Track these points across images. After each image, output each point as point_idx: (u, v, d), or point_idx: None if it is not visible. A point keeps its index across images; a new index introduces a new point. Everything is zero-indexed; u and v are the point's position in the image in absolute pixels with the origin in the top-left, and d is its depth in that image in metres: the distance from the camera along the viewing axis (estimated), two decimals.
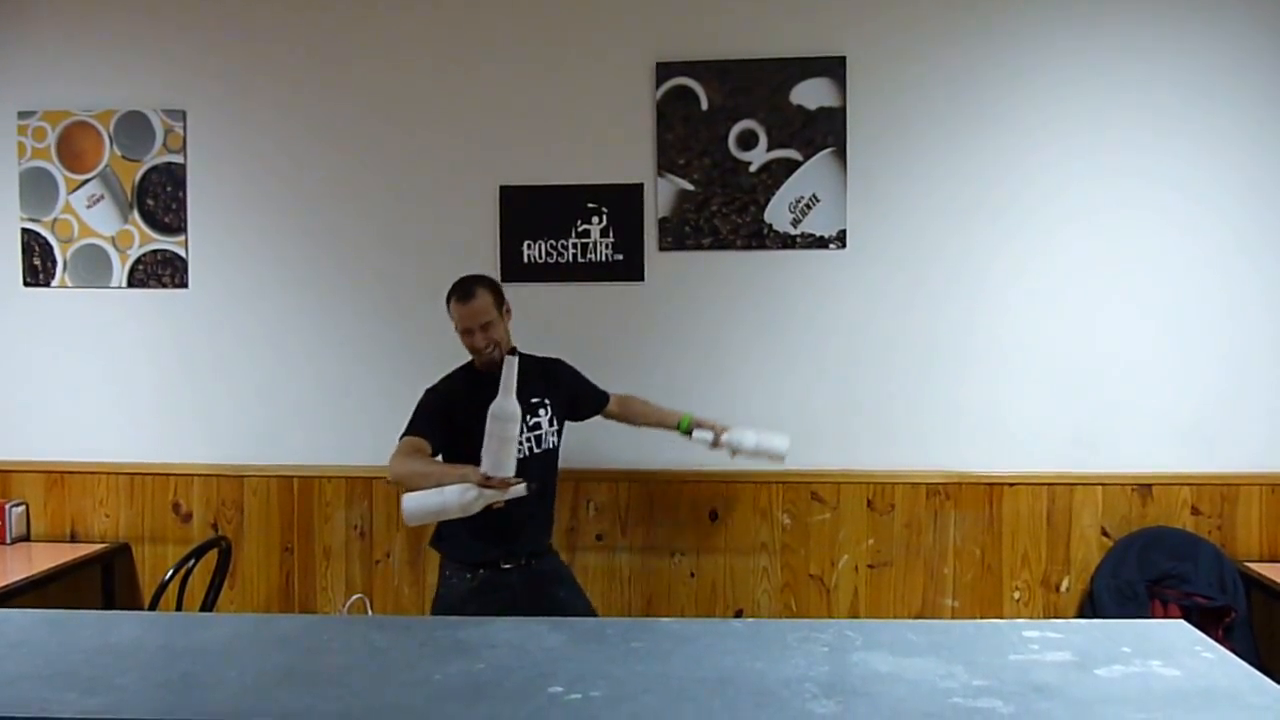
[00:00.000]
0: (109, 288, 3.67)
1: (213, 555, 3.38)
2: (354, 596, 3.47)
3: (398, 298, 3.59)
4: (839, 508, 3.49)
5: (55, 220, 3.66)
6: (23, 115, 3.65)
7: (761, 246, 3.47)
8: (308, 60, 3.59)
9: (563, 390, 2.97)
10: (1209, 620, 3.23)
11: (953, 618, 3.42)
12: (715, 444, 3.01)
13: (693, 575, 3.54)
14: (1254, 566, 3.31)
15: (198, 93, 3.63)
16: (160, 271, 3.65)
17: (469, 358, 2.85)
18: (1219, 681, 1.56)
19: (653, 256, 3.51)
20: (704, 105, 3.45)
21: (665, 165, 3.48)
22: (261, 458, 3.64)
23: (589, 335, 3.49)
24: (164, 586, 3.15)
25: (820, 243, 3.45)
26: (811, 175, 3.44)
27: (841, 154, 3.43)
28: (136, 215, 3.64)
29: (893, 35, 3.43)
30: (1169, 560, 3.34)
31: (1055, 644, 1.71)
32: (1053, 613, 3.43)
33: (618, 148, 3.50)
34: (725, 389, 3.49)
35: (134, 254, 3.65)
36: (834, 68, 3.42)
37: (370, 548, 3.62)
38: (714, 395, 3.47)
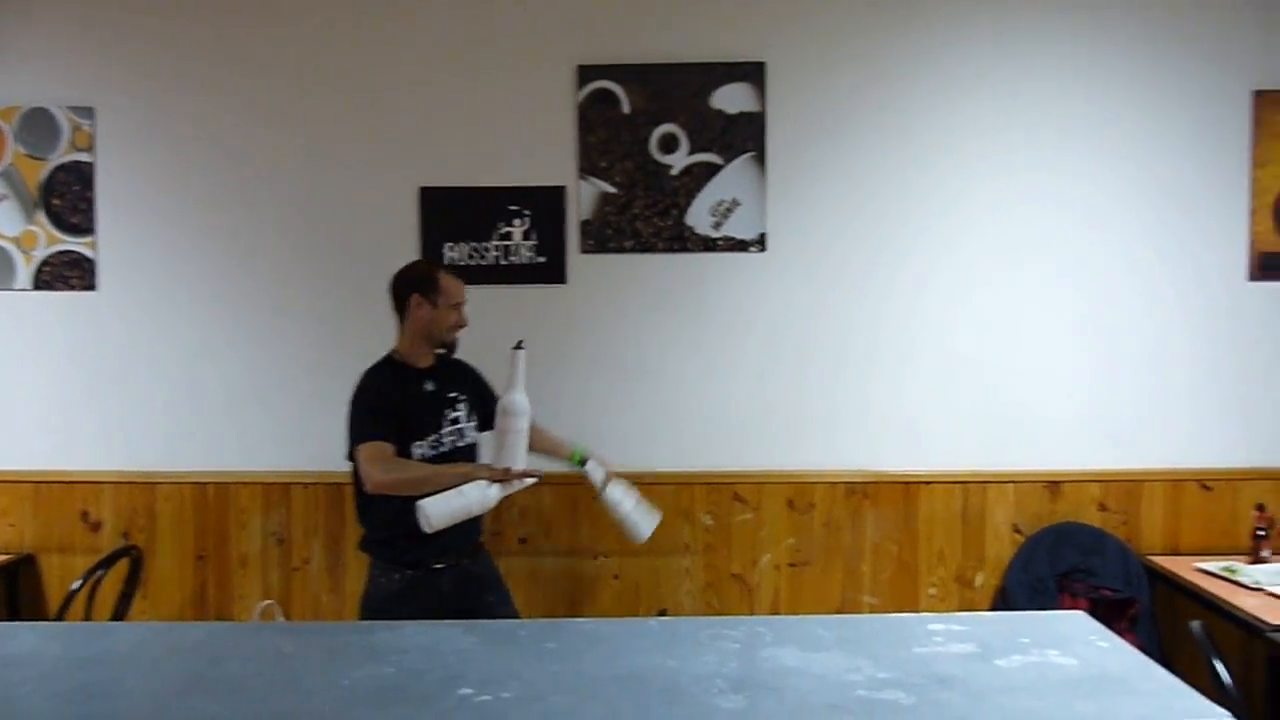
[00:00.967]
0: (13, 290, 3.55)
1: (124, 565, 3.29)
2: (264, 603, 3.40)
3: (315, 300, 3.54)
4: (760, 508, 3.53)
5: None
6: None
7: (683, 249, 3.50)
8: (222, 57, 3.52)
9: (472, 391, 2.98)
10: (1115, 612, 3.34)
11: (870, 614, 3.48)
12: (597, 488, 2.87)
13: (616, 577, 3.55)
14: (1157, 560, 3.43)
15: (107, 89, 3.53)
16: (68, 273, 3.54)
17: (377, 357, 2.84)
18: (1111, 669, 1.62)
19: (575, 259, 3.51)
20: (625, 108, 3.47)
21: (587, 168, 3.48)
22: (174, 464, 3.55)
23: (511, 338, 3.45)
24: (71, 597, 3.05)
25: (741, 246, 3.49)
26: (732, 179, 3.48)
27: (761, 158, 3.48)
28: (42, 215, 3.53)
29: (810, 42, 3.48)
30: (1077, 555, 3.44)
31: (959, 636, 1.76)
32: (967, 608, 3.51)
33: (540, 150, 3.50)
34: (647, 391, 3.51)
35: (40, 255, 3.54)
36: (753, 73, 3.46)
37: (288, 554, 3.56)
38: (636, 397, 3.50)
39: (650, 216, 3.49)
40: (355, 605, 2.93)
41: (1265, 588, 3.07)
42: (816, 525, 3.53)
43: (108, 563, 3.17)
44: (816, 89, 3.48)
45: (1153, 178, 3.49)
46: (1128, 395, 3.51)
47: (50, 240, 3.54)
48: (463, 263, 3.48)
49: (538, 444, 2.95)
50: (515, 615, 2.98)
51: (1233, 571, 3.20)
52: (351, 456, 2.71)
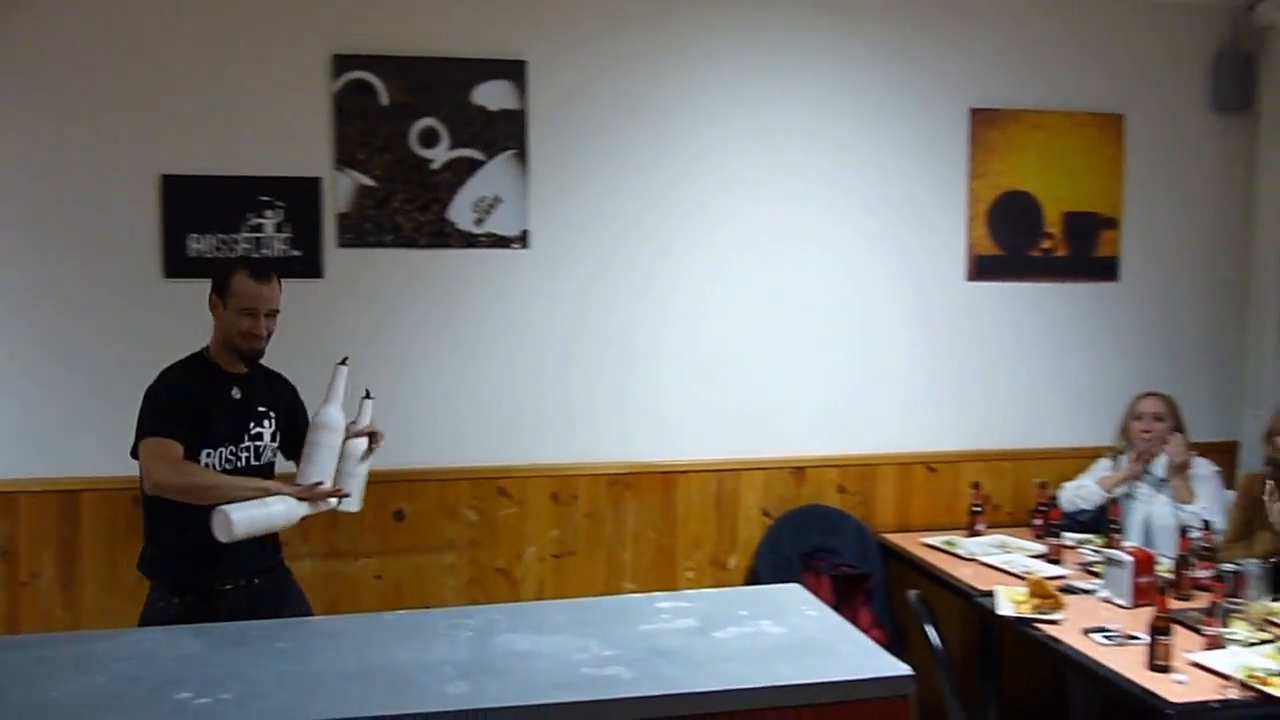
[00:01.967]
0: None
1: None
2: None
3: (47, 294, 3.28)
4: (525, 501, 3.57)
5: None
6: None
7: (445, 245, 3.49)
8: None
9: (284, 409, 2.78)
10: (852, 586, 3.61)
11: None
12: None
13: (378, 577, 3.49)
14: (889, 537, 3.73)
15: None
16: None
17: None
18: (816, 635, 1.76)
19: (332, 253, 3.43)
20: (384, 101, 3.42)
21: (344, 160, 3.41)
22: None
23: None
24: None
25: (503, 242, 3.52)
26: (494, 175, 3.50)
27: (523, 156, 3.52)
28: None
29: (570, 42, 3.55)
30: (820, 535, 3.69)
31: (684, 613, 1.86)
32: (722, 588, 3.69)
33: (293, 140, 3.39)
34: (409, 388, 3.47)
35: None
36: (515, 71, 3.50)
37: (15, 569, 3.29)
38: (397, 394, 3.44)
39: (411, 211, 3.46)
40: (93, 624, 2.74)
41: (979, 558, 3.39)
42: (580, 516, 3.61)
43: None
44: (576, 88, 3.55)
45: (883, 186, 3.78)
46: (863, 387, 3.80)
47: None
48: (210, 255, 3.33)
49: None
50: None
51: (952, 545, 3.53)
52: (136, 453, 2.51)
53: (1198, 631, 2.63)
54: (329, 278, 3.42)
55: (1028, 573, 3.03)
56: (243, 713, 1.49)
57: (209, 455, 2.56)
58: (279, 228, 3.37)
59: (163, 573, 2.55)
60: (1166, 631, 2.46)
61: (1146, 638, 2.48)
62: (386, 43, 3.43)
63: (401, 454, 3.31)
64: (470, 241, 3.50)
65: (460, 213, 3.48)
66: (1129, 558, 2.91)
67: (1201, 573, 2.95)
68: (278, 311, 2.65)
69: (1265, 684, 2.33)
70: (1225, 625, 2.59)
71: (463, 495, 3.54)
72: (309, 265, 3.40)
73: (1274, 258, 3.89)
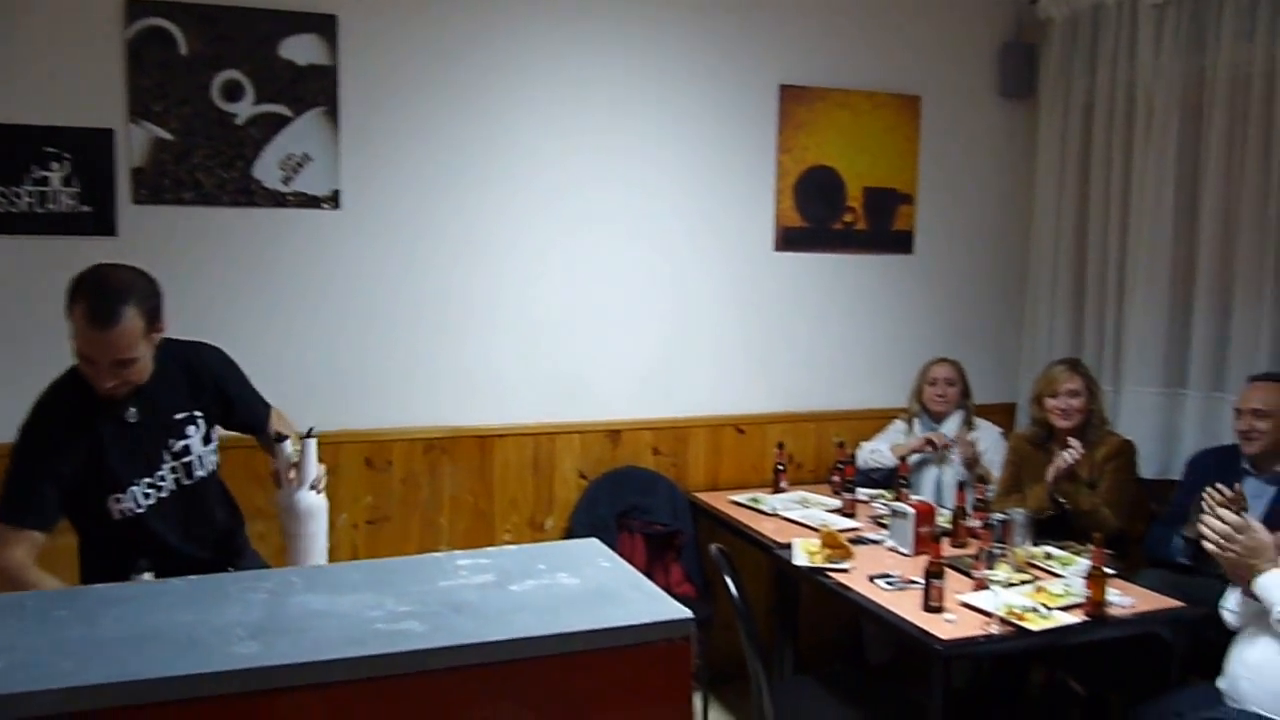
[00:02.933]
0: None
1: None
2: None
3: None
4: (338, 468, 3.51)
5: None
6: None
7: (251, 204, 3.37)
8: None
9: (211, 391, 2.36)
10: (664, 543, 3.74)
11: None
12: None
13: None
14: (700, 495, 3.89)
15: None
16: None
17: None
18: (609, 585, 1.83)
19: (127, 210, 3.26)
20: (183, 51, 3.26)
21: (140, 111, 3.24)
22: None
23: (49, 295, 3.14)
24: None
25: (313, 202, 3.43)
26: (303, 133, 3.40)
27: (334, 113, 3.43)
28: None
29: None
30: (634, 495, 3.80)
31: (482, 569, 1.89)
32: None
33: (82, 89, 3.19)
34: None
35: None
36: (325, 25, 3.40)
37: None
38: None
39: (213, 167, 3.32)
40: None
41: (781, 513, 3.59)
42: (395, 482, 3.59)
43: None
44: (390, 45, 3.49)
45: (696, 159, 3.89)
46: (677, 352, 3.92)
47: None
48: None
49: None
50: None
51: (757, 502, 3.71)
52: None
53: (968, 575, 2.88)
54: (123, 236, 3.25)
55: (823, 525, 3.23)
56: (8, 680, 1.43)
57: (119, 501, 2.18)
58: (66, 181, 3.18)
59: None
60: (940, 575, 2.68)
61: (924, 582, 2.69)
62: None
63: None
64: (278, 200, 3.39)
65: (267, 170, 3.37)
66: (911, 510, 3.14)
67: (975, 522, 3.22)
68: (134, 360, 2.10)
69: (1022, 619, 2.59)
70: (991, 569, 2.84)
71: (270, 462, 3.44)
72: (100, 222, 3.22)
73: (1050, 234, 4.24)
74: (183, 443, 2.29)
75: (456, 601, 1.74)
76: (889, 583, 2.88)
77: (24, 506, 2.08)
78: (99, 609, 1.74)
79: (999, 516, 3.13)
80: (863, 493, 3.71)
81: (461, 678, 1.56)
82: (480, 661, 1.57)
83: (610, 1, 3.72)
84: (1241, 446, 3.19)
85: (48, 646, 1.57)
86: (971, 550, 3.06)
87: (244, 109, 3.33)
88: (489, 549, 1.98)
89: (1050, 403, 3.49)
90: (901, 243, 4.22)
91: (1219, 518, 2.49)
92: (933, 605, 2.66)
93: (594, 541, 2.07)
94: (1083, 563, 2.88)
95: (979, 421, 3.94)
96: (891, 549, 3.18)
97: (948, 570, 2.79)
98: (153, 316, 2.14)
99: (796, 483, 3.96)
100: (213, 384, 2.37)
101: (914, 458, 3.81)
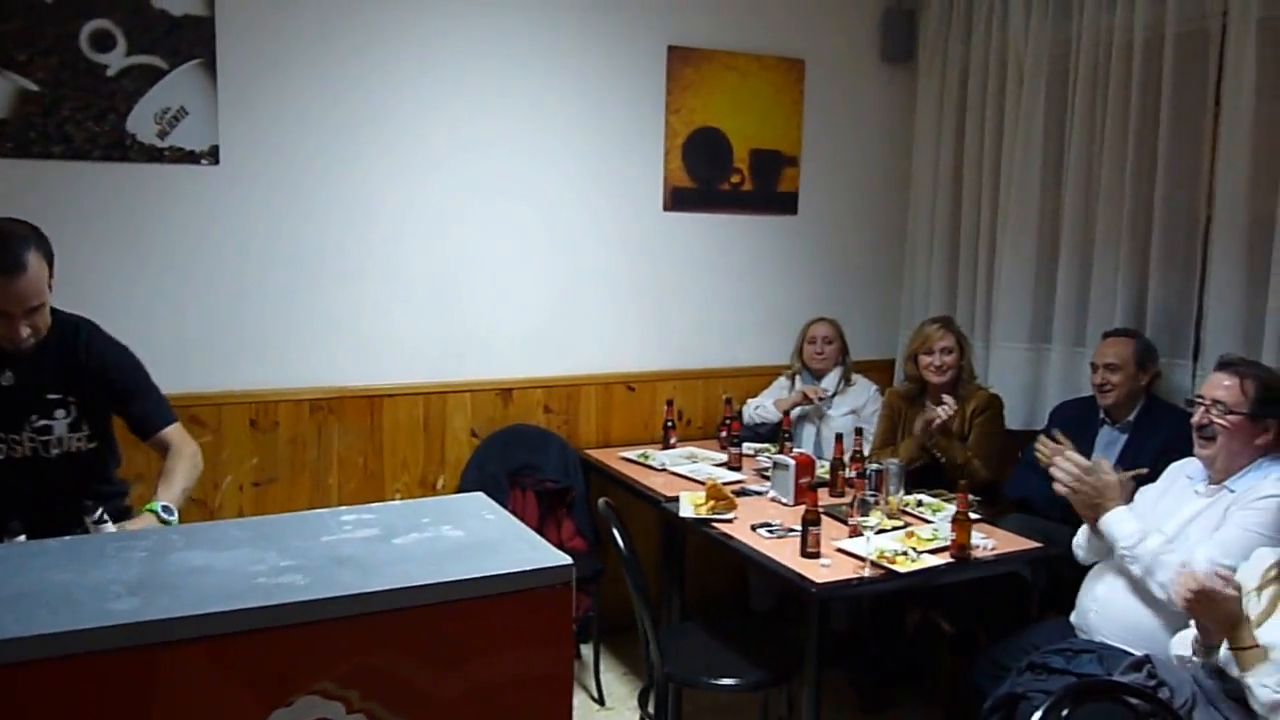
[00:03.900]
0: None
1: None
2: None
3: None
4: (220, 429, 3.47)
5: None
6: None
7: (124, 159, 3.26)
8: None
9: (89, 376, 2.35)
10: (556, 500, 3.79)
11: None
12: None
13: None
14: (591, 453, 3.95)
15: None
16: None
17: None
18: (492, 536, 1.87)
19: None
20: None
21: (2, 61, 3.09)
22: None
23: None
24: None
25: (191, 157, 3.34)
26: (179, 85, 3.30)
27: (212, 66, 3.33)
28: None
29: None
30: (526, 453, 3.84)
31: (367, 524, 1.91)
32: None
33: None
34: (88, 314, 3.22)
35: None
36: None
37: None
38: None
39: (84, 121, 3.20)
40: None
41: (669, 468, 3.68)
42: (281, 443, 3.55)
43: None
44: None
45: (586, 120, 3.91)
46: (568, 311, 3.96)
47: None
48: None
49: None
50: None
51: (646, 457, 3.79)
52: None
53: (844, 522, 3.02)
54: None
55: (709, 479, 3.33)
56: None
57: None
58: None
59: None
60: (817, 523, 2.80)
61: (801, 529, 2.81)
62: None
63: None
64: (153, 155, 3.29)
65: (141, 124, 3.27)
66: (792, 461, 3.26)
67: (852, 473, 3.37)
68: (42, 305, 2.18)
69: (892, 562, 2.73)
70: (865, 516, 2.98)
71: None
72: None
73: (928, 196, 4.40)
74: (44, 421, 2.31)
75: (339, 555, 1.76)
76: (770, 531, 2.99)
77: None
78: None
79: (874, 467, 3.28)
80: (749, 447, 3.83)
81: (344, 628, 1.59)
82: (362, 611, 1.60)
83: None
84: (1097, 398, 3.40)
85: None
86: (848, 499, 3.20)
87: (116, 60, 3.21)
88: (374, 504, 2.01)
89: (924, 359, 3.65)
90: (787, 204, 4.33)
91: (1070, 459, 2.67)
92: (810, 551, 2.79)
93: (479, 495, 2.11)
94: (950, 509, 3.05)
95: (857, 378, 4.09)
96: (774, 499, 3.30)
97: (825, 518, 2.93)
98: (50, 262, 2.16)
99: (686, 439, 4.05)
100: (93, 370, 2.37)
101: (795, 411, 3.95)
